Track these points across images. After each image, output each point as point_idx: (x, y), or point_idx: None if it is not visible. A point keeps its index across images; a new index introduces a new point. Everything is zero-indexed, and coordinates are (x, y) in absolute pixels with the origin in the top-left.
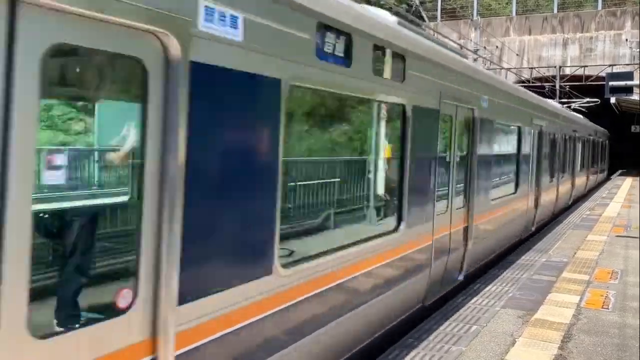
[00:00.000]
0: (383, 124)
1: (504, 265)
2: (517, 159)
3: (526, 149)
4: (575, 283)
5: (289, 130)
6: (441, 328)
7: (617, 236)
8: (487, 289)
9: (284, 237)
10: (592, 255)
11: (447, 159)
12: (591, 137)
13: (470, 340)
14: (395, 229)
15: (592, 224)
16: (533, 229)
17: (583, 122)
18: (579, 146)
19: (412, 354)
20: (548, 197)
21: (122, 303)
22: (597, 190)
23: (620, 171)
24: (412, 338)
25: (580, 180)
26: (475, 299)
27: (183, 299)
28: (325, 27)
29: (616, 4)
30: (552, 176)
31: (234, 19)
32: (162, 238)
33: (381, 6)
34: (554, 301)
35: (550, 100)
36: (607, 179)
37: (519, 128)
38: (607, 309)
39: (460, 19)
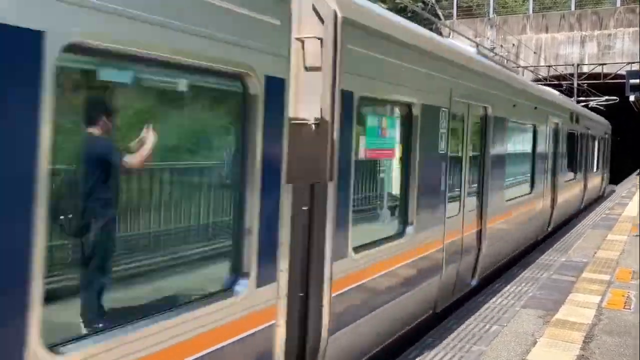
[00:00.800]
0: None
1: (523, 265)
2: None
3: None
4: (596, 283)
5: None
6: (461, 327)
7: (635, 236)
8: (507, 288)
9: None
10: (613, 255)
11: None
12: (560, 126)
13: (491, 340)
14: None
15: (611, 224)
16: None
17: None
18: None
19: (432, 353)
20: None
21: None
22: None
23: (639, 170)
24: (432, 337)
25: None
26: (495, 298)
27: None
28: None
29: (635, 1)
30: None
31: None
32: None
33: (396, 4)
34: (574, 301)
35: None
36: (607, 193)
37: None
38: (629, 309)
39: (477, 17)
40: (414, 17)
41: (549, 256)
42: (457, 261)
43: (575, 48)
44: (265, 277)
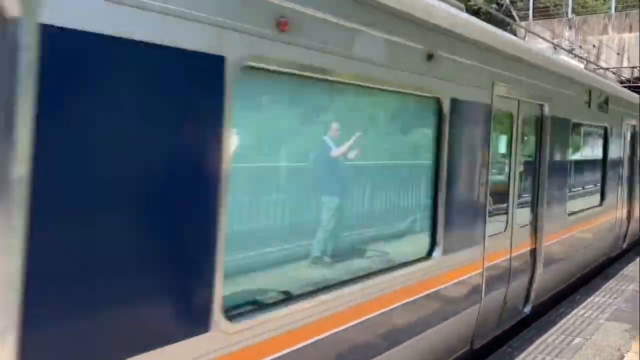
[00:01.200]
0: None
1: (606, 276)
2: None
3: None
4: None
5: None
6: (542, 339)
7: None
8: (590, 299)
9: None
10: None
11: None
12: (548, 111)
13: (574, 352)
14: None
15: None
16: None
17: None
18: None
19: None
20: None
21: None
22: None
23: None
24: (511, 347)
25: None
26: (576, 310)
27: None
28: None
29: None
30: None
31: None
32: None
33: (470, 7)
34: None
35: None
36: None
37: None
38: None
39: (554, 17)
40: (489, 19)
41: (635, 266)
42: None
43: None
44: None
